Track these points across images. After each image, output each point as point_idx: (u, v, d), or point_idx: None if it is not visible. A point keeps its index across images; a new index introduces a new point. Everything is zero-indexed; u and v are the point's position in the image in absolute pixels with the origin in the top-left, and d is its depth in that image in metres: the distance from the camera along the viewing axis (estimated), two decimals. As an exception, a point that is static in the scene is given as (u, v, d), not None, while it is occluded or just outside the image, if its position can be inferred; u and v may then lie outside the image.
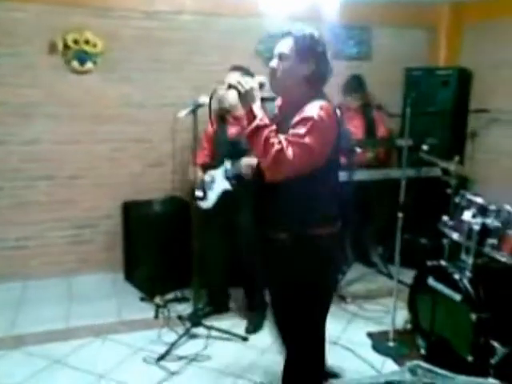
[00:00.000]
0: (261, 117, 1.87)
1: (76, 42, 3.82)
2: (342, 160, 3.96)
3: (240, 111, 3.21)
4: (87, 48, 3.85)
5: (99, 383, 2.77)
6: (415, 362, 1.37)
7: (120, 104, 4.07)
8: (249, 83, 1.94)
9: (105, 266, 4.18)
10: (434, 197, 4.10)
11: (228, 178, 3.23)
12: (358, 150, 3.83)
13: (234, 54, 4.23)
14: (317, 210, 1.98)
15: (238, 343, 3.19)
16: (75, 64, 3.86)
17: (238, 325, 3.41)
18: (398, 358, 2.94)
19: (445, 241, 3.23)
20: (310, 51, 1.97)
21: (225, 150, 3.30)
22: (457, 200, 3.13)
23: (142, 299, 3.77)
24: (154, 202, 3.88)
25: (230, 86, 1.97)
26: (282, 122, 1.97)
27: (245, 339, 3.21)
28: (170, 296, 3.75)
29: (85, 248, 4.17)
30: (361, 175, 3.90)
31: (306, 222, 1.98)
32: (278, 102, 2.16)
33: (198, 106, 3.08)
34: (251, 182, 3.21)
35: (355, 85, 4.20)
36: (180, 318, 3.38)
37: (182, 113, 3.08)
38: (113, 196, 4.15)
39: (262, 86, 2.01)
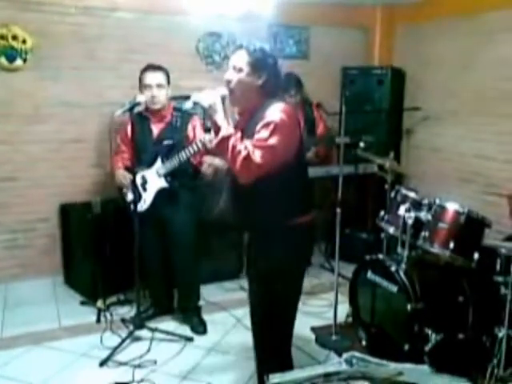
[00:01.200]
0: (225, 127, 2.02)
1: (3, 37, 3.65)
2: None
3: (166, 106, 3.28)
4: (15, 44, 3.68)
5: (39, 393, 2.69)
6: (350, 353, 1.42)
7: (54, 103, 3.92)
8: (208, 97, 2.07)
9: (44, 270, 4.04)
10: (373, 192, 4.26)
11: (163, 176, 3.19)
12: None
13: (172, 52, 4.19)
14: (293, 202, 2.13)
15: (182, 344, 3.17)
16: (3, 61, 3.69)
17: (182, 325, 3.40)
18: (341, 351, 3.00)
19: (383, 235, 3.37)
20: (262, 63, 2.11)
21: (151, 148, 3.25)
22: (392, 195, 3.25)
23: (83, 303, 3.68)
24: (93, 204, 3.77)
25: (195, 103, 2.13)
26: (245, 128, 2.11)
27: (190, 339, 3.20)
28: (113, 299, 3.68)
29: (22, 253, 4.00)
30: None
31: (284, 214, 2.13)
32: (238, 110, 2.29)
33: (135, 104, 3.05)
34: (187, 177, 3.26)
35: (292, 83, 4.26)
36: (123, 320, 3.32)
37: (119, 111, 3.03)
38: (49, 198, 4.00)
39: (224, 98, 2.12)
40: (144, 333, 3.19)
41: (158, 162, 3.20)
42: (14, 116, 3.83)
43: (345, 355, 1.50)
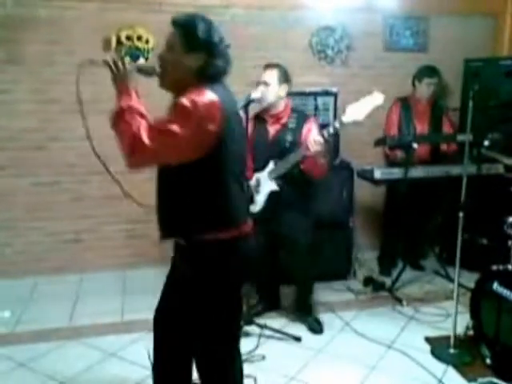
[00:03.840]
0: (127, 99, 1.75)
1: (129, 38, 3.85)
2: (400, 155, 3.87)
3: (279, 108, 3.16)
4: (140, 44, 3.87)
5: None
6: (487, 379, 1.28)
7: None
8: (121, 63, 1.83)
9: (159, 260, 4.22)
10: (496, 195, 3.91)
11: (274, 179, 3.14)
12: (415, 145, 3.67)
13: (285, 47, 4.17)
14: (210, 212, 1.81)
15: (291, 343, 3.14)
16: (128, 60, 3.88)
17: (289, 324, 3.37)
18: (461, 367, 2.81)
19: (510, 243, 3.07)
20: (201, 43, 1.79)
21: (267, 150, 3.19)
22: (523, 200, 2.95)
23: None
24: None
25: (103, 62, 1.85)
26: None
27: (298, 339, 3.16)
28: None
29: (139, 242, 4.22)
30: (417, 172, 3.75)
31: (198, 225, 1.82)
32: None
33: (250, 101, 3.03)
34: (298, 181, 3.16)
35: (429, 71, 4.03)
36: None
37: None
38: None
39: (149, 72, 1.89)
40: (252, 329, 3.20)
41: (271, 164, 3.15)
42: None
43: (480, 380, 1.36)
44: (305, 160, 3.04)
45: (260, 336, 3.13)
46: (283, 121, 3.19)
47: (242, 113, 3.06)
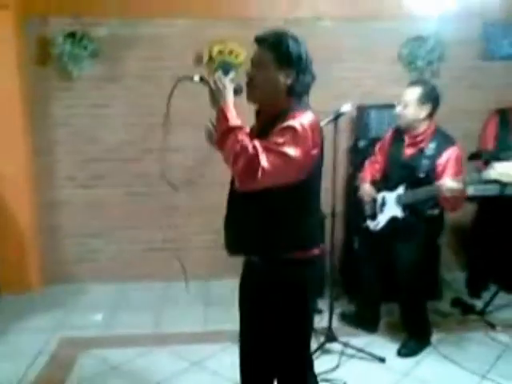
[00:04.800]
0: (234, 118, 1.72)
1: (221, 52, 3.97)
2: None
3: (418, 130, 2.94)
4: (231, 59, 3.97)
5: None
6: None
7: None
8: (221, 81, 1.79)
9: (238, 271, 4.27)
10: None
11: (401, 205, 3.01)
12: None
13: (374, 59, 4.10)
14: (296, 232, 1.83)
15: (374, 364, 3.04)
16: (219, 74, 4.00)
17: (374, 343, 3.25)
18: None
19: None
20: (291, 59, 1.80)
21: (398, 171, 3.04)
22: None
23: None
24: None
25: (202, 79, 1.83)
26: (261, 133, 1.81)
27: (382, 360, 3.05)
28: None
29: (224, 253, 4.28)
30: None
31: (281, 244, 1.84)
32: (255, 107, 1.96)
33: (340, 114, 3.00)
34: (424, 214, 2.98)
35: None
36: (314, 331, 3.31)
37: (323, 122, 3.01)
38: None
39: (237, 90, 1.84)
40: (335, 346, 3.14)
41: (401, 189, 3.01)
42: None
43: None
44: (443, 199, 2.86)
45: (341, 354, 3.06)
46: (421, 145, 2.94)
47: (329, 126, 3.06)
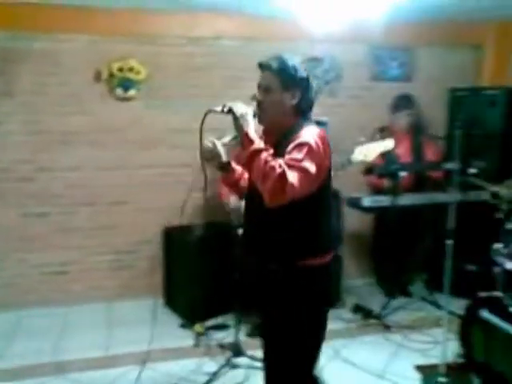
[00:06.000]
0: (258, 141, 1.85)
1: (121, 69, 3.90)
2: (386, 183, 3.91)
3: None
4: (131, 75, 3.92)
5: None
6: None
7: (163, 129, 4.11)
8: (242, 107, 1.93)
9: (145, 291, 4.18)
10: (482, 222, 3.94)
11: None
12: (402, 173, 3.72)
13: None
14: (311, 239, 1.98)
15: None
16: (119, 91, 3.94)
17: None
18: (451, 395, 2.79)
19: (496, 270, 3.08)
20: (295, 80, 1.98)
21: None
22: (510, 226, 2.97)
23: (182, 326, 3.73)
24: (195, 228, 3.86)
25: (230, 111, 1.95)
26: (275, 148, 1.93)
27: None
28: (211, 323, 3.70)
29: (126, 273, 4.19)
30: (405, 200, 3.78)
31: (298, 252, 1.97)
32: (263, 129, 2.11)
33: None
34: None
35: (405, 101, 4.11)
36: (221, 346, 3.32)
37: (226, 138, 3.06)
38: (154, 221, 4.16)
39: (255, 115, 1.98)
40: (242, 360, 3.16)
41: None
42: (126, 142, 4.06)
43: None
44: None
45: (248, 368, 3.09)
46: None
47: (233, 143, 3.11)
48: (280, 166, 1.76)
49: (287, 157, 1.83)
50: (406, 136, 4.17)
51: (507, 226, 3.00)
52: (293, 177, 1.75)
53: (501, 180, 3.31)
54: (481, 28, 4.65)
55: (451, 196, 3.02)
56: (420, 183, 4.09)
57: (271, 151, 1.84)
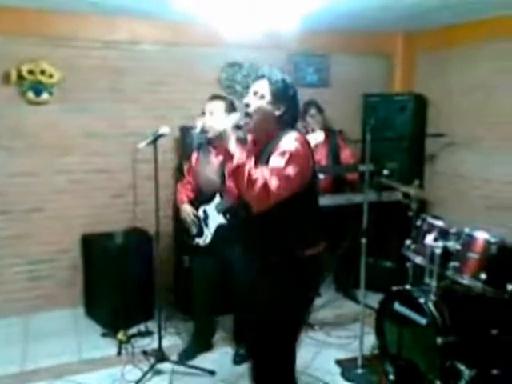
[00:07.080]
0: (238, 155, 1.95)
1: (31, 72, 3.73)
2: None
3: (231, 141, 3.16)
4: (43, 79, 3.75)
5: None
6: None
7: (79, 134, 3.98)
8: (219, 124, 2.04)
9: (65, 301, 4.03)
10: (396, 220, 4.17)
11: (222, 213, 3.13)
12: (321, 176, 3.85)
13: (194, 83, 4.24)
14: (303, 233, 2.18)
15: (205, 378, 3.09)
16: (30, 95, 3.76)
17: (207, 358, 3.33)
18: (368, 386, 2.93)
19: (408, 264, 3.28)
20: (283, 94, 2.15)
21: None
22: (418, 223, 3.17)
23: (104, 335, 3.63)
24: (115, 234, 3.77)
25: (202, 131, 2.14)
26: (259, 157, 2.11)
27: (212, 373, 3.12)
28: (134, 330, 3.63)
29: (43, 284, 4.00)
30: (323, 201, 3.90)
31: (295, 245, 2.17)
32: (252, 138, 2.30)
33: (159, 136, 3.04)
34: (243, 215, 3.15)
35: (314, 107, 4.24)
36: (145, 353, 3.27)
37: (142, 143, 3.03)
38: (72, 229, 4.02)
39: (238, 126, 2.10)
40: (166, 366, 3.13)
41: (217, 197, 3.14)
42: (40, 148, 3.89)
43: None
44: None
45: (173, 373, 3.07)
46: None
47: (150, 147, 3.07)
48: (262, 176, 1.92)
49: (270, 165, 2.00)
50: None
51: (416, 224, 3.20)
52: (275, 184, 1.93)
53: (411, 180, 3.53)
54: (389, 38, 4.94)
55: (365, 197, 3.16)
56: (338, 185, 4.25)
57: (252, 162, 1.96)
